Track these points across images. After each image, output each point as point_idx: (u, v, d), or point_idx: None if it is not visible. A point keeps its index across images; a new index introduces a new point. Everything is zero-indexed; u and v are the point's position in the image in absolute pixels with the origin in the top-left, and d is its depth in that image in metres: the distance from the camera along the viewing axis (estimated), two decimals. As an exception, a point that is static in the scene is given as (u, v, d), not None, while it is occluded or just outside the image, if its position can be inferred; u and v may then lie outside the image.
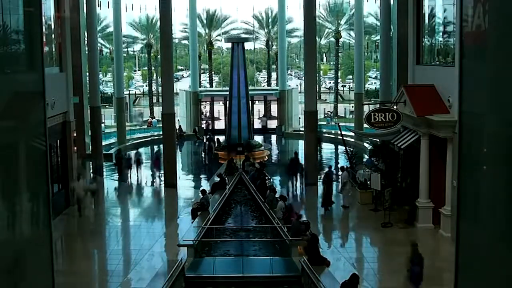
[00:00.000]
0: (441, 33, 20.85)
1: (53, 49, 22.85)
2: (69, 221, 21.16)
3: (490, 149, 5.20)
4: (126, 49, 53.97)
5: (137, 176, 28.84)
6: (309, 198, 23.75)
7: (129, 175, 28.83)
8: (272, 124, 44.53)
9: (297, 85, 52.46)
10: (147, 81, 58.24)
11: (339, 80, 59.60)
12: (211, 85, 56.33)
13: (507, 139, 4.90)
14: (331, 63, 69.71)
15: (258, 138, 36.86)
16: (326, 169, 24.57)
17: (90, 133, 30.25)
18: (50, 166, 6.98)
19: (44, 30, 20.45)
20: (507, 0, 4.91)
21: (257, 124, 43.25)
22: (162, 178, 26.75)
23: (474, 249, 5.56)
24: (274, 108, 45.27)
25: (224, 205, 21.40)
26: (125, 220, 22.27)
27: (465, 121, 5.85)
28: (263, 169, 26.16)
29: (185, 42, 58.76)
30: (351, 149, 29.18)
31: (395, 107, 20.81)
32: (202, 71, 65.18)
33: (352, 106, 45.59)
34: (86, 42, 31.02)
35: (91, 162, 27.25)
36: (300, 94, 44.09)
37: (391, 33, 29.83)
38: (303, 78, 31.74)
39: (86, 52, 30.81)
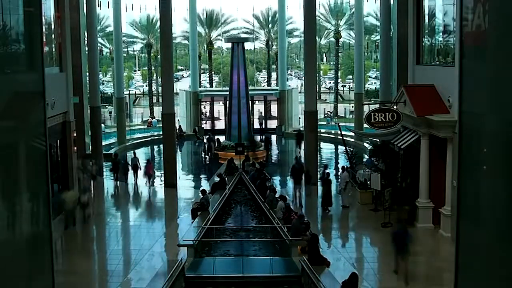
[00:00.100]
0: (441, 33, 20.84)
1: (53, 49, 22.85)
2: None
3: (490, 149, 5.20)
4: (126, 49, 53.98)
5: (135, 182, 27.13)
6: (309, 198, 23.73)
7: (125, 181, 27.45)
8: (272, 124, 44.54)
9: (297, 85, 52.48)
10: (147, 81, 58.26)
11: (339, 80, 59.63)
12: (211, 85, 56.35)
13: (507, 139, 4.90)
14: (331, 63, 69.73)
15: (258, 138, 36.84)
16: (322, 169, 24.55)
17: (90, 133, 30.26)
18: (50, 166, 6.97)
19: (44, 30, 20.44)
20: (507, 0, 4.91)
21: (257, 124, 43.24)
22: (154, 184, 26.23)
23: (474, 249, 5.56)
24: (274, 108, 45.29)
25: (224, 205, 21.40)
26: (124, 221, 22.26)
27: (465, 121, 5.85)
28: (263, 169, 26.18)
29: (185, 42, 58.75)
30: (351, 149, 29.19)
31: (395, 107, 20.81)
32: (202, 71, 65.19)
33: (352, 106, 45.62)
34: (86, 42, 31.03)
35: (91, 163, 26.99)
36: (300, 94, 44.11)
37: (391, 33, 29.84)
38: (303, 78, 31.75)
39: (86, 52, 30.81)
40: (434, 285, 15.06)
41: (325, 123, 44.55)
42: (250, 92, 36.81)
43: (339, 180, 24.06)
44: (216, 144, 34.73)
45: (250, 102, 37.03)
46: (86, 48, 31.02)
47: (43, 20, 20.55)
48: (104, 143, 32.61)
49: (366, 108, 25.71)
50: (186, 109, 43.21)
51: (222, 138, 35.74)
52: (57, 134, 22.13)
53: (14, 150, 6.23)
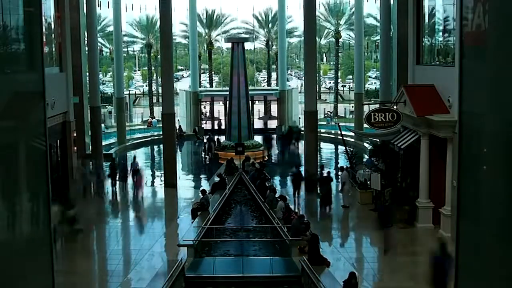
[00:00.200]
0: (441, 33, 20.85)
1: (53, 49, 22.87)
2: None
3: (490, 149, 5.20)
4: (126, 49, 53.99)
5: (134, 190, 25.01)
6: (309, 198, 23.72)
7: (124, 187, 25.70)
8: (272, 124, 44.54)
9: (297, 86, 52.47)
10: (147, 81, 58.27)
11: (339, 80, 59.64)
12: (211, 85, 56.35)
13: (507, 139, 4.90)
14: (331, 63, 69.74)
15: (258, 138, 36.84)
16: (319, 170, 24.59)
17: (90, 133, 30.25)
18: (50, 166, 6.96)
19: (44, 30, 20.45)
20: (507, 0, 4.91)
21: (257, 124, 43.23)
22: (143, 199, 24.02)
23: (474, 249, 5.56)
24: (274, 108, 45.28)
25: (224, 205, 21.41)
26: (124, 221, 22.25)
27: (465, 121, 5.85)
28: (263, 169, 26.18)
29: (185, 42, 58.76)
30: (351, 149, 29.19)
31: (395, 107, 20.81)
32: (202, 71, 65.19)
33: (352, 106, 45.62)
34: (86, 42, 31.03)
35: (91, 165, 26.81)
36: (300, 94, 44.11)
37: (391, 33, 29.84)
38: (303, 78, 31.75)
39: (86, 52, 30.81)
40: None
41: (325, 123, 44.55)
42: (250, 92, 36.80)
43: (339, 179, 24.08)
44: (216, 144, 34.73)
45: (250, 102, 37.02)
46: (86, 48, 31.02)
47: (43, 20, 20.55)
48: (104, 143, 32.57)
49: (366, 108, 25.72)
50: (186, 109, 43.21)
51: (221, 138, 35.75)
52: (57, 134, 22.15)
53: (14, 150, 6.22)
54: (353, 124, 37.14)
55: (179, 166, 28.83)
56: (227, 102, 37.18)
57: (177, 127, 37.68)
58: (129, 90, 58.79)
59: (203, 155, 35.37)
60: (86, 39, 31.02)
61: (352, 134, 32.92)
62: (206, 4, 57.58)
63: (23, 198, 6.36)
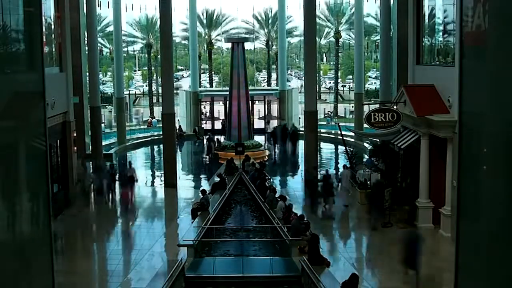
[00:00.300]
0: (441, 33, 20.85)
1: (53, 49, 22.86)
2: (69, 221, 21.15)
3: (490, 149, 5.20)
4: (126, 49, 53.98)
5: (130, 198, 23.03)
6: (309, 198, 23.68)
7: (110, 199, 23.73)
8: (273, 124, 44.51)
9: (298, 86, 52.47)
10: (147, 81, 58.27)
11: (339, 80, 59.63)
12: (211, 85, 56.34)
13: (507, 139, 4.90)
14: (331, 63, 69.73)
15: (258, 138, 36.86)
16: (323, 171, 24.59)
17: (90, 133, 30.25)
18: (50, 166, 6.97)
19: (44, 30, 20.45)
20: (507, 0, 4.91)
21: (257, 124, 43.21)
22: (134, 216, 21.72)
23: (474, 249, 5.56)
24: (274, 108, 45.28)
25: (224, 205, 21.40)
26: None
27: (465, 121, 5.85)
28: (263, 169, 26.17)
29: (185, 42, 58.76)
30: (351, 149, 29.19)
31: (395, 107, 20.81)
32: (202, 71, 65.18)
33: (352, 106, 45.61)
34: (86, 42, 31.02)
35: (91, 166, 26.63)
36: (300, 94, 44.11)
37: (391, 33, 29.84)
38: (303, 78, 31.76)
39: (86, 52, 30.81)
40: (434, 285, 15.06)
41: (325, 123, 44.54)
42: (250, 92, 36.80)
43: (339, 177, 24.08)
44: (216, 144, 34.72)
45: (250, 102, 37.02)
46: (86, 48, 31.02)
47: (43, 20, 20.55)
48: (104, 143, 32.56)
49: (366, 108, 25.71)
50: (186, 109, 43.21)
51: (221, 138, 35.76)
52: (57, 134, 22.14)
53: (14, 150, 6.23)
54: (353, 124, 37.14)
55: (179, 166, 28.83)
56: (227, 102, 37.17)
57: (177, 127, 37.67)
58: (129, 90, 58.78)
59: (203, 155, 35.32)
60: (86, 39, 31.01)
61: (352, 134, 32.93)
62: (206, 4, 57.62)
63: (23, 198, 6.36)
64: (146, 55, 57.45)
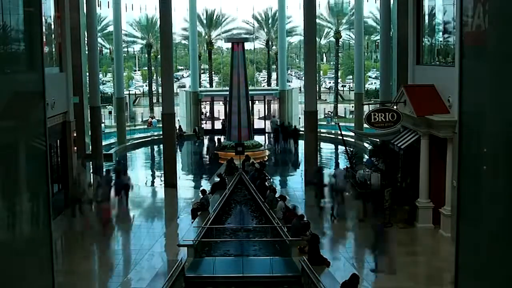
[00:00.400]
0: (441, 33, 20.85)
1: (53, 49, 22.86)
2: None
3: (490, 149, 5.20)
4: (126, 49, 53.98)
5: (124, 205, 22.08)
6: (308, 198, 23.72)
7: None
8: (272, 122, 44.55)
9: (299, 86, 52.49)
10: (147, 81, 58.27)
11: (339, 80, 59.63)
12: (211, 85, 56.34)
13: (507, 139, 4.90)
14: (331, 63, 69.73)
15: (258, 138, 36.87)
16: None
17: (90, 133, 30.24)
18: (50, 166, 6.97)
19: (44, 30, 20.44)
20: (507, 0, 4.91)
21: (257, 124, 43.22)
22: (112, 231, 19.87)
23: (474, 249, 5.56)
24: (274, 108, 45.29)
25: (224, 205, 21.40)
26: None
27: (465, 121, 5.85)
28: (263, 169, 26.17)
29: (185, 42, 58.77)
30: (351, 149, 29.18)
31: (395, 107, 20.81)
32: (202, 71, 65.19)
33: (352, 106, 45.61)
34: (86, 42, 31.02)
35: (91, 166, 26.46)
36: (300, 94, 44.12)
37: (391, 33, 29.84)
38: (303, 78, 31.77)
39: (86, 52, 30.81)
40: (434, 285, 15.06)
41: (325, 123, 44.53)
42: (250, 92, 36.81)
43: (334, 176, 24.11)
44: (217, 144, 34.73)
45: (250, 102, 37.03)
46: (86, 48, 31.02)
47: (43, 20, 20.54)
48: (104, 143, 32.56)
49: (366, 108, 25.74)
50: (186, 109, 43.21)
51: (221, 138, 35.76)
52: (57, 134, 22.13)
53: (14, 150, 6.23)
54: (353, 124, 37.14)
55: (179, 166, 28.83)
56: (227, 102, 37.18)
57: (177, 127, 37.67)
58: (129, 90, 58.79)
59: (206, 155, 35.18)
60: (86, 39, 31.01)
61: (352, 134, 32.93)
62: (206, 4, 57.62)
63: (23, 198, 6.36)
64: (146, 55, 57.47)
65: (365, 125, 24.68)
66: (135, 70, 78.87)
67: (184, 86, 54.74)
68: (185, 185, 27.32)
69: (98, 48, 35.12)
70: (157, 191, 26.57)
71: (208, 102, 45.96)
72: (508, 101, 4.84)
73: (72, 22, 24.79)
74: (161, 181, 26.98)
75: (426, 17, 21.64)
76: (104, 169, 26.44)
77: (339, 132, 27.74)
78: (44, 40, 20.68)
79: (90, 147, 29.88)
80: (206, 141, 37.92)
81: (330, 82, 68.14)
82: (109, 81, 65.66)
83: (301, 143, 30.81)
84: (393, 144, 21.37)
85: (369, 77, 64.86)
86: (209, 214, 19.50)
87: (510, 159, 4.86)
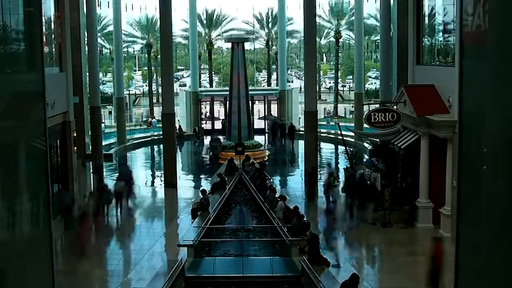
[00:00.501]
0: (441, 33, 20.85)
1: (53, 49, 22.85)
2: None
3: (490, 149, 5.21)
4: (126, 49, 53.97)
5: (118, 215, 21.13)
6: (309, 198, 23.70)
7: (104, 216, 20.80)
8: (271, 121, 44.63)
9: (300, 86, 52.53)
10: (147, 81, 58.27)
11: (339, 80, 59.63)
12: (211, 85, 56.35)
13: (507, 139, 4.90)
14: (331, 63, 69.73)
15: (258, 138, 36.86)
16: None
17: (90, 133, 30.24)
18: (50, 166, 6.97)
19: (44, 30, 20.44)
20: (507, 0, 4.91)
21: (257, 124, 43.23)
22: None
23: (474, 249, 5.56)
24: (274, 108, 45.31)
25: (224, 205, 21.40)
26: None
27: (465, 121, 5.85)
28: (263, 169, 26.17)
29: (185, 42, 58.77)
30: (351, 149, 29.18)
31: (395, 107, 20.81)
32: (202, 71, 65.19)
33: (352, 106, 45.61)
34: (86, 42, 31.03)
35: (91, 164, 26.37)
36: (300, 94, 44.12)
37: (391, 33, 29.84)
38: (303, 78, 31.78)
39: (86, 52, 30.81)
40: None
41: (325, 123, 44.55)
42: (250, 92, 36.81)
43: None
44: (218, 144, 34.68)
45: (250, 102, 37.04)
46: (86, 48, 31.02)
47: (43, 20, 20.54)
48: (104, 143, 32.55)
49: (366, 108, 25.74)
50: (186, 109, 43.21)
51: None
52: (57, 134, 22.12)
53: (14, 150, 6.23)
54: (353, 124, 37.14)
55: (179, 166, 28.82)
56: (227, 102, 37.19)
57: (177, 127, 37.66)
58: (129, 90, 58.80)
59: (210, 154, 35.02)
60: (86, 39, 31.01)
61: (352, 134, 32.93)
62: (206, 4, 57.60)
63: (23, 198, 6.36)
64: (146, 55, 57.45)
65: (365, 125, 24.68)
66: (135, 70, 78.88)
67: (185, 85, 54.74)
68: (185, 185, 27.31)
69: (98, 48, 35.12)
70: (157, 191, 26.56)
71: (208, 102, 45.96)
72: (508, 101, 4.84)
73: (72, 22, 24.79)
74: (161, 181, 26.97)
75: (426, 17, 21.63)
76: (103, 177, 25.37)
77: (339, 132, 27.75)
78: (44, 40, 20.68)
79: (90, 147, 29.88)
80: (206, 141, 37.80)
81: (330, 82, 68.14)
82: (109, 81, 65.64)
83: (301, 143, 30.81)
84: (393, 144, 21.37)
85: (369, 77, 64.87)
86: (209, 214, 19.50)
87: (510, 159, 4.86)
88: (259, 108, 47.81)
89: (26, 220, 6.45)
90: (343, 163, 28.92)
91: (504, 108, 4.91)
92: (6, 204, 5.95)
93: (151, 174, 31.56)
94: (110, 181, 24.80)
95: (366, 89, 48.33)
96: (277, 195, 21.39)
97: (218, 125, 44.14)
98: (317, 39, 32.31)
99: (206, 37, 56.98)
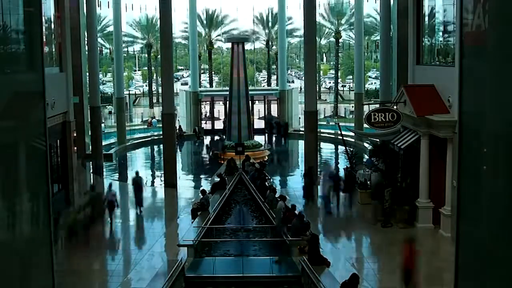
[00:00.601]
0: (441, 33, 20.85)
1: (53, 49, 22.85)
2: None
3: (490, 149, 5.20)
4: (126, 49, 53.98)
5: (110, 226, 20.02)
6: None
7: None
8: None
9: (300, 86, 52.56)
10: (147, 81, 58.27)
11: (339, 80, 59.63)
12: (211, 85, 56.35)
13: (507, 139, 4.90)
14: (331, 63, 69.73)
15: (258, 138, 36.87)
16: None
17: (90, 133, 30.25)
18: (50, 166, 6.97)
19: (44, 30, 20.44)
20: (507, 0, 4.91)
21: (257, 124, 43.23)
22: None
23: (474, 249, 5.56)
24: (274, 108, 45.33)
25: (224, 205, 21.40)
26: (124, 221, 22.25)
27: (465, 121, 5.85)
28: (263, 169, 26.17)
29: (185, 42, 58.77)
30: (351, 149, 29.18)
31: (395, 107, 20.80)
32: (202, 71, 65.20)
33: (352, 106, 45.62)
34: (86, 42, 31.03)
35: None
36: (300, 94, 44.13)
37: (391, 33, 29.84)
38: (303, 78, 31.80)
39: (86, 52, 30.81)
40: (434, 285, 15.06)
41: (324, 123, 44.57)
42: (250, 92, 36.84)
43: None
44: (219, 144, 34.72)
45: (250, 102, 37.05)
46: (86, 48, 31.02)
47: (43, 20, 20.54)
48: (104, 143, 32.56)
49: (366, 108, 25.71)
50: (186, 109, 43.22)
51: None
52: (57, 134, 22.12)
53: (14, 150, 6.23)
54: (353, 124, 37.14)
55: (179, 166, 28.82)
56: (227, 102, 37.20)
57: (177, 127, 37.66)
58: (129, 90, 58.80)
59: (210, 154, 34.92)
60: (86, 39, 31.02)
61: (352, 134, 32.93)
62: (206, 4, 57.65)
63: (23, 198, 6.36)
64: (146, 55, 57.48)
65: (365, 125, 24.68)
66: (135, 70, 78.90)
67: (187, 83, 54.72)
68: (185, 185, 27.32)
69: (98, 48, 35.14)
70: (157, 191, 26.56)
71: (208, 102, 45.98)
72: (508, 101, 4.84)
73: (72, 22, 24.80)
74: (161, 181, 26.97)
75: (426, 17, 21.63)
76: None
77: (339, 132, 27.75)
78: (44, 40, 20.67)
79: (90, 147, 29.89)
80: (206, 141, 37.83)
81: (330, 82, 68.14)
82: (109, 81, 65.65)
83: (301, 142, 30.82)
84: (393, 144, 21.36)
85: (369, 77, 64.88)
86: (209, 214, 19.49)
87: (510, 159, 4.86)
88: (259, 108, 47.83)
89: (26, 220, 6.45)
90: (343, 163, 28.91)
91: (504, 108, 4.91)
92: (6, 204, 5.95)
93: (151, 174, 31.55)
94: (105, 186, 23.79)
95: (366, 89, 48.34)
96: (277, 195, 21.38)
97: (218, 125, 44.17)
98: (317, 39, 32.31)
99: (206, 37, 56.99)
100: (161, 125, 29.99)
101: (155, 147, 38.16)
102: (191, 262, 15.79)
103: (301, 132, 34.87)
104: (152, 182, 29.26)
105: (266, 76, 63.05)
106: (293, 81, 65.83)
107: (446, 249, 17.01)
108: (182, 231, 19.19)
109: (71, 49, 23.51)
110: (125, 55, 55.09)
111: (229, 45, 40.14)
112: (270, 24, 58.09)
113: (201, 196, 20.83)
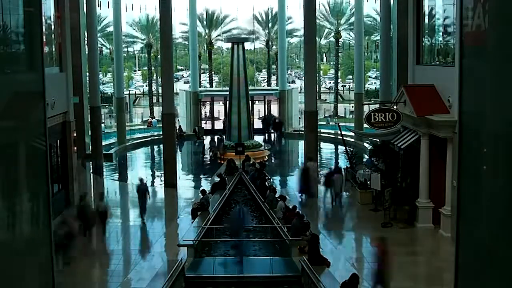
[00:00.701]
0: (441, 33, 20.85)
1: (53, 49, 22.85)
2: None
3: (490, 149, 5.20)
4: (126, 49, 53.96)
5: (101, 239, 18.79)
6: (309, 198, 23.70)
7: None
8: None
9: (298, 87, 52.56)
10: (147, 81, 58.25)
11: (339, 80, 59.61)
12: (211, 85, 56.34)
13: (507, 139, 4.90)
14: (331, 63, 69.70)
15: (258, 138, 36.86)
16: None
17: (90, 133, 30.25)
18: (50, 166, 6.97)
19: (44, 30, 20.43)
20: (507, 0, 4.91)
21: (257, 124, 43.26)
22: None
23: (474, 249, 5.56)
24: (274, 108, 45.33)
25: (224, 205, 21.40)
26: (124, 221, 22.24)
27: (465, 121, 5.85)
28: (263, 169, 26.17)
29: (185, 42, 58.75)
30: (351, 149, 29.19)
31: (395, 107, 20.81)
32: (202, 71, 65.18)
33: (352, 106, 45.61)
34: (86, 42, 31.03)
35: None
36: (300, 94, 44.14)
37: (391, 33, 29.84)
38: (303, 78, 31.80)
39: (86, 52, 30.81)
40: (434, 285, 15.06)
41: (324, 123, 44.57)
42: (250, 92, 36.84)
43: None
44: (217, 144, 34.68)
45: (250, 102, 37.05)
46: (86, 48, 31.02)
47: (43, 20, 20.54)
48: (104, 143, 32.55)
49: (366, 108, 25.71)
50: (186, 109, 43.22)
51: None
52: (57, 134, 22.12)
53: (14, 150, 6.23)
54: (353, 124, 37.14)
55: (179, 166, 28.81)
56: (227, 102, 37.20)
57: (177, 127, 37.66)
58: (129, 90, 58.79)
59: (211, 154, 34.91)
60: (86, 39, 31.02)
61: (352, 134, 32.93)
62: (206, 4, 57.57)
63: (23, 198, 6.36)
64: (146, 55, 57.44)
65: (365, 125, 24.69)
66: (135, 70, 78.85)
67: (188, 82, 54.75)
68: (185, 185, 27.32)
69: (98, 48, 35.13)
70: (157, 191, 26.54)
71: (208, 102, 45.97)
72: (508, 101, 4.84)
73: (72, 22, 24.79)
74: (161, 181, 26.97)
75: (426, 17, 21.63)
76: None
77: (339, 132, 27.76)
78: (44, 40, 20.67)
79: (90, 147, 29.88)
80: (207, 141, 37.79)
81: (330, 82, 68.12)
82: (109, 81, 65.64)
83: (301, 143, 30.82)
84: (393, 144, 21.37)
85: (369, 77, 64.85)
86: (209, 214, 19.50)
87: (510, 159, 4.86)
88: (259, 108, 47.82)
89: (26, 220, 6.45)
90: (343, 163, 28.91)
91: (504, 108, 4.91)
92: (6, 204, 5.95)
93: (151, 174, 31.54)
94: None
95: (366, 89, 48.32)
96: (277, 195, 21.39)
97: (218, 125, 44.16)
98: (317, 39, 32.32)
99: (206, 37, 56.97)
100: (161, 125, 29.99)
101: (155, 147, 38.15)
102: (191, 262, 15.79)
103: (301, 132, 34.85)
104: (152, 182, 29.26)
105: (266, 76, 63.02)
106: (293, 82, 65.77)
107: (446, 249, 17.01)
108: (182, 231, 19.19)
109: (71, 49, 23.50)
110: (125, 55, 55.07)
111: (229, 45, 40.13)
112: (270, 24, 58.05)
113: (201, 196, 20.83)
